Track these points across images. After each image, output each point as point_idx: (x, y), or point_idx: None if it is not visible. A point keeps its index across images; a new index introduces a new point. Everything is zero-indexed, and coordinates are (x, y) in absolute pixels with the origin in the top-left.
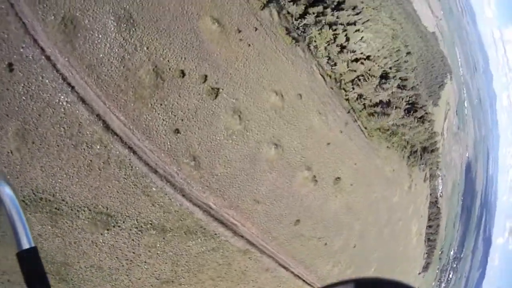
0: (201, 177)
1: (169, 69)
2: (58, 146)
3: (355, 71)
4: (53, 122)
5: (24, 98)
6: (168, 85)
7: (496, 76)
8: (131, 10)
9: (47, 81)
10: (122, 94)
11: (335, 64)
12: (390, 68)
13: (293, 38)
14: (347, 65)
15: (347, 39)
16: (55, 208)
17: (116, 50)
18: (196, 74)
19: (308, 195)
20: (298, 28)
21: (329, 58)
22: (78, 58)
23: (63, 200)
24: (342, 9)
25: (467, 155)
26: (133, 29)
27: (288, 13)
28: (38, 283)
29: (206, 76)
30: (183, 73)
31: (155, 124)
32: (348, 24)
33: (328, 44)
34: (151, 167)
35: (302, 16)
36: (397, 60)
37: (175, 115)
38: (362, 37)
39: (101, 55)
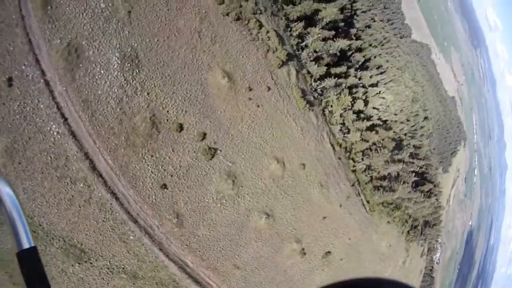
0: (182, 235)
1: (167, 120)
2: (42, 173)
3: (367, 141)
4: (41, 149)
5: (18, 117)
6: (163, 137)
7: (510, 146)
8: (139, 49)
9: (42, 106)
10: (114, 137)
11: (348, 132)
12: (405, 134)
13: (308, 101)
14: (361, 134)
15: (366, 103)
16: (31, 231)
17: (116, 90)
18: (195, 130)
19: (293, 267)
20: (315, 91)
21: (343, 125)
22: (76, 90)
23: (40, 225)
24: (366, 69)
25: (470, 223)
26: (137, 71)
27: (308, 73)
28: (38, 283)
29: (205, 134)
30: (181, 127)
31: (143, 175)
32: (370, 85)
33: (345, 110)
34: (131, 216)
35: (323, 77)
36: (414, 126)
37: (165, 170)
38: (382, 99)
39: (99, 92)
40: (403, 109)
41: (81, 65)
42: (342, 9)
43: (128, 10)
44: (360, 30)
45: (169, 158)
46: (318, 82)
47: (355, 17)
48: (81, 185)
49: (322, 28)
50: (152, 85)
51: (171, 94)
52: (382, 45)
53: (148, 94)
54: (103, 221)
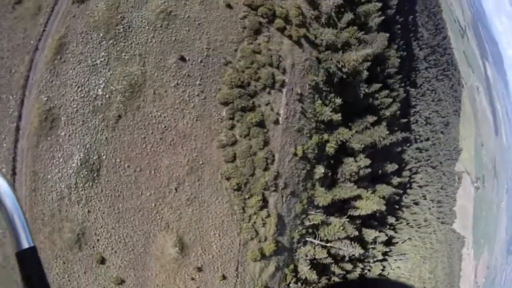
0: None
1: (93, 247)
2: None
3: None
4: None
5: None
6: (81, 257)
7: None
8: (104, 164)
9: (4, 145)
10: (40, 223)
11: None
12: None
13: None
14: None
15: None
16: None
17: (63, 187)
18: (115, 272)
19: None
20: None
21: None
22: (34, 157)
23: None
24: (385, 259)
25: None
26: (90, 184)
27: (296, 276)
28: (37, 283)
29: (123, 281)
30: (102, 261)
31: (49, 269)
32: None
33: None
34: None
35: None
36: None
37: (69, 281)
38: None
39: (49, 176)
40: None
41: (49, 138)
42: (388, 198)
43: (120, 114)
44: (405, 208)
45: (78, 276)
46: None
47: (406, 193)
48: None
49: (352, 220)
50: (96, 208)
51: (110, 228)
52: (419, 227)
53: (88, 212)
54: None
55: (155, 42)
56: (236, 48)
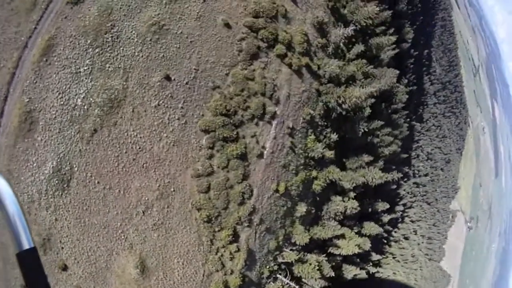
0: None
1: (57, 253)
2: None
3: None
4: None
5: None
6: (45, 260)
7: None
8: (75, 176)
9: None
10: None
11: None
12: None
13: None
14: None
15: None
16: None
17: (34, 190)
18: (76, 281)
19: None
20: None
21: None
22: (10, 156)
23: None
24: None
25: None
26: (60, 193)
27: None
28: (38, 283)
29: None
30: (65, 268)
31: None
32: None
33: None
34: None
35: None
36: None
37: None
38: None
39: (22, 178)
40: None
41: (26, 140)
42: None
43: (96, 128)
44: (393, 242)
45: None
46: None
47: (396, 227)
48: None
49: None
50: (64, 217)
51: (75, 239)
52: (406, 262)
53: (55, 220)
54: None
55: (142, 56)
56: (228, 72)
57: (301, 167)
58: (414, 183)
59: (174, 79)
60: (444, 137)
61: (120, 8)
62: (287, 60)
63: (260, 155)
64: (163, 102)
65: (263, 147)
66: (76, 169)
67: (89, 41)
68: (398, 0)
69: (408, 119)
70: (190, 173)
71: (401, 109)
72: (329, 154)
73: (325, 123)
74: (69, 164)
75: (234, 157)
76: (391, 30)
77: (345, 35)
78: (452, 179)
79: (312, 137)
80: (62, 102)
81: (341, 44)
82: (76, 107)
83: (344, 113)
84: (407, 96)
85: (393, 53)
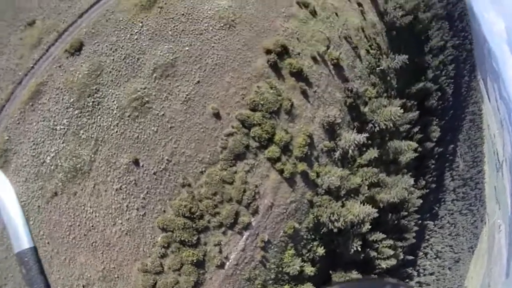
0: None
1: None
2: None
3: None
4: None
5: None
6: None
7: None
8: (30, 228)
9: None
10: None
11: None
12: None
13: None
14: None
15: None
16: None
17: None
18: None
19: None
20: None
21: None
22: None
23: None
24: None
25: None
26: None
27: None
28: (37, 282)
29: None
30: None
31: None
32: None
33: None
34: None
35: None
36: None
37: None
38: None
39: None
40: None
41: None
42: None
43: (56, 191)
44: None
45: None
46: None
47: None
48: None
49: None
50: None
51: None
52: None
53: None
54: None
55: (116, 132)
56: (204, 170)
57: (270, 282)
58: (417, 282)
59: (142, 166)
60: (457, 235)
61: (110, 72)
62: (278, 166)
63: (221, 266)
64: (125, 187)
65: (226, 258)
66: (32, 223)
67: (72, 100)
68: (428, 95)
69: (420, 222)
70: (138, 266)
71: (412, 213)
72: (310, 270)
73: (313, 236)
74: (27, 215)
75: (189, 263)
76: (416, 129)
77: (356, 141)
78: (459, 278)
79: (292, 251)
80: (33, 154)
81: (351, 151)
82: (44, 163)
83: (335, 231)
84: (421, 201)
85: (414, 156)
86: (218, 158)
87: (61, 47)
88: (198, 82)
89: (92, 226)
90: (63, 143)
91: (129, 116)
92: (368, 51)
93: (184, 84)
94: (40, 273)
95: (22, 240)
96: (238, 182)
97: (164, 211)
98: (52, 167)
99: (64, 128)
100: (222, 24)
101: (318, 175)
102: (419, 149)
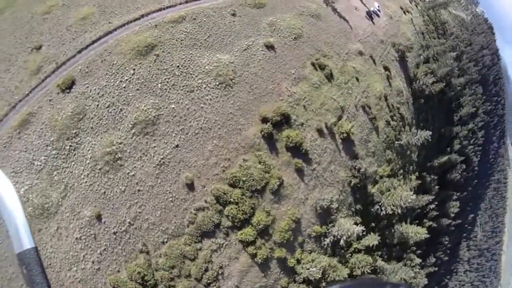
0: None
1: None
2: None
3: None
4: None
5: None
6: None
7: None
8: None
9: None
10: None
11: None
12: None
13: None
14: None
15: None
16: None
17: None
18: None
19: None
20: None
21: None
22: None
23: None
24: None
25: None
26: None
27: None
28: (38, 283)
29: None
30: None
31: None
32: None
33: None
34: None
35: None
36: None
37: None
38: None
39: None
40: None
41: None
42: None
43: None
44: None
45: None
46: None
47: None
48: None
49: None
50: None
51: None
52: None
53: None
54: None
55: (86, 182)
56: (166, 241)
57: None
58: None
59: (104, 222)
60: None
61: (92, 118)
62: (251, 249)
63: None
64: (85, 238)
65: None
66: None
67: (52, 139)
68: (452, 168)
69: None
70: None
71: None
72: None
73: None
74: None
75: None
76: (433, 205)
77: (350, 233)
78: None
79: None
80: (11, 181)
81: (342, 241)
82: (18, 193)
83: None
84: (426, 281)
85: (424, 237)
86: (183, 232)
87: (55, 81)
88: (177, 146)
89: (49, 264)
90: (37, 179)
91: (100, 169)
92: (388, 123)
93: (161, 146)
94: (41, 273)
95: (23, 241)
96: (201, 259)
97: (119, 271)
98: (24, 199)
99: (40, 165)
100: (217, 83)
101: (298, 262)
102: (434, 225)
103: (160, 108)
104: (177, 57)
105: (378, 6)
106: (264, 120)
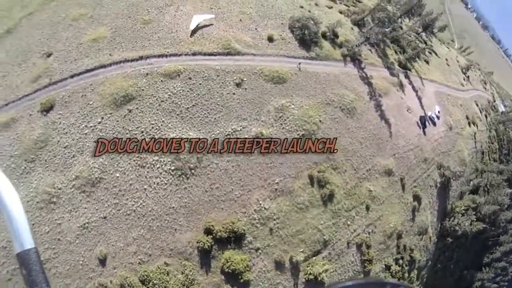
0: None
1: None
2: None
3: None
4: None
5: None
6: None
7: None
8: None
9: None
10: None
11: None
12: None
13: None
14: None
15: None
16: None
17: None
18: None
19: None
20: None
21: None
22: None
23: None
24: None
25: None
26: None
27: None
28: (38, 283)
29: None
30: None
31: None
32: None
33: None
34: None
35: None
36: None
37: None
38: None
39: None
40: None
41: None
42: None
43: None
44: None
45: None
46: None
47: None
48: None
49: None
50: None
51: None
52: None
53: None
54: None
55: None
56: None
57: None
58: None
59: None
60: None
61: (49, 152)
62: None
63: None
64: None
65: None
66: None
67: (16, 153)
68: None
69: None
70: None
71: None
72: None
73: None
74: None
75: None
76: None
77: None
78: None
79: None
80: None
81: None
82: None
83: None
84: None
85: None
86: None
87: (42, 97)
88: (105, 217)
89: None
90: None
91: (37, 203)
92: (388, 268)
93: (91, 210)
94: (41, 274)
95: (23, 241)
96: None
97: None
98: None
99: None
100: (173, 168)
101: None
102: None
103: (105, 172)
104: (147, 120)
105: (439, 112)
106: (207, 231)
